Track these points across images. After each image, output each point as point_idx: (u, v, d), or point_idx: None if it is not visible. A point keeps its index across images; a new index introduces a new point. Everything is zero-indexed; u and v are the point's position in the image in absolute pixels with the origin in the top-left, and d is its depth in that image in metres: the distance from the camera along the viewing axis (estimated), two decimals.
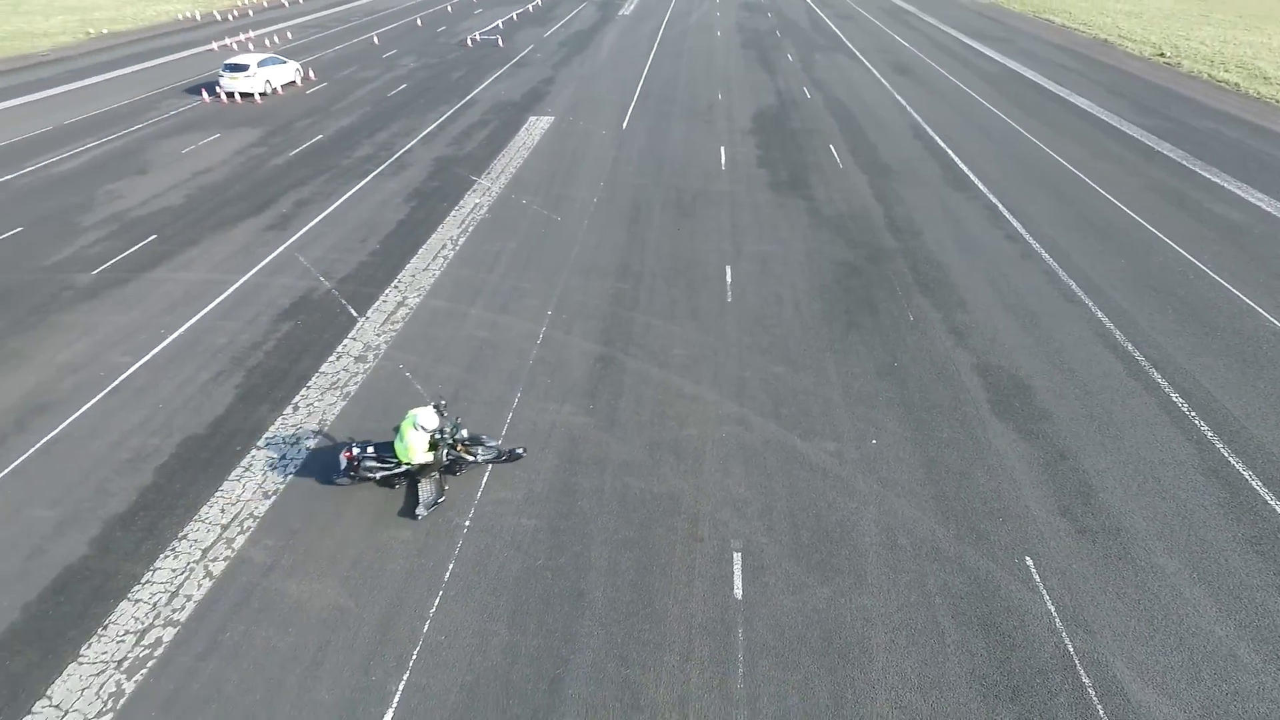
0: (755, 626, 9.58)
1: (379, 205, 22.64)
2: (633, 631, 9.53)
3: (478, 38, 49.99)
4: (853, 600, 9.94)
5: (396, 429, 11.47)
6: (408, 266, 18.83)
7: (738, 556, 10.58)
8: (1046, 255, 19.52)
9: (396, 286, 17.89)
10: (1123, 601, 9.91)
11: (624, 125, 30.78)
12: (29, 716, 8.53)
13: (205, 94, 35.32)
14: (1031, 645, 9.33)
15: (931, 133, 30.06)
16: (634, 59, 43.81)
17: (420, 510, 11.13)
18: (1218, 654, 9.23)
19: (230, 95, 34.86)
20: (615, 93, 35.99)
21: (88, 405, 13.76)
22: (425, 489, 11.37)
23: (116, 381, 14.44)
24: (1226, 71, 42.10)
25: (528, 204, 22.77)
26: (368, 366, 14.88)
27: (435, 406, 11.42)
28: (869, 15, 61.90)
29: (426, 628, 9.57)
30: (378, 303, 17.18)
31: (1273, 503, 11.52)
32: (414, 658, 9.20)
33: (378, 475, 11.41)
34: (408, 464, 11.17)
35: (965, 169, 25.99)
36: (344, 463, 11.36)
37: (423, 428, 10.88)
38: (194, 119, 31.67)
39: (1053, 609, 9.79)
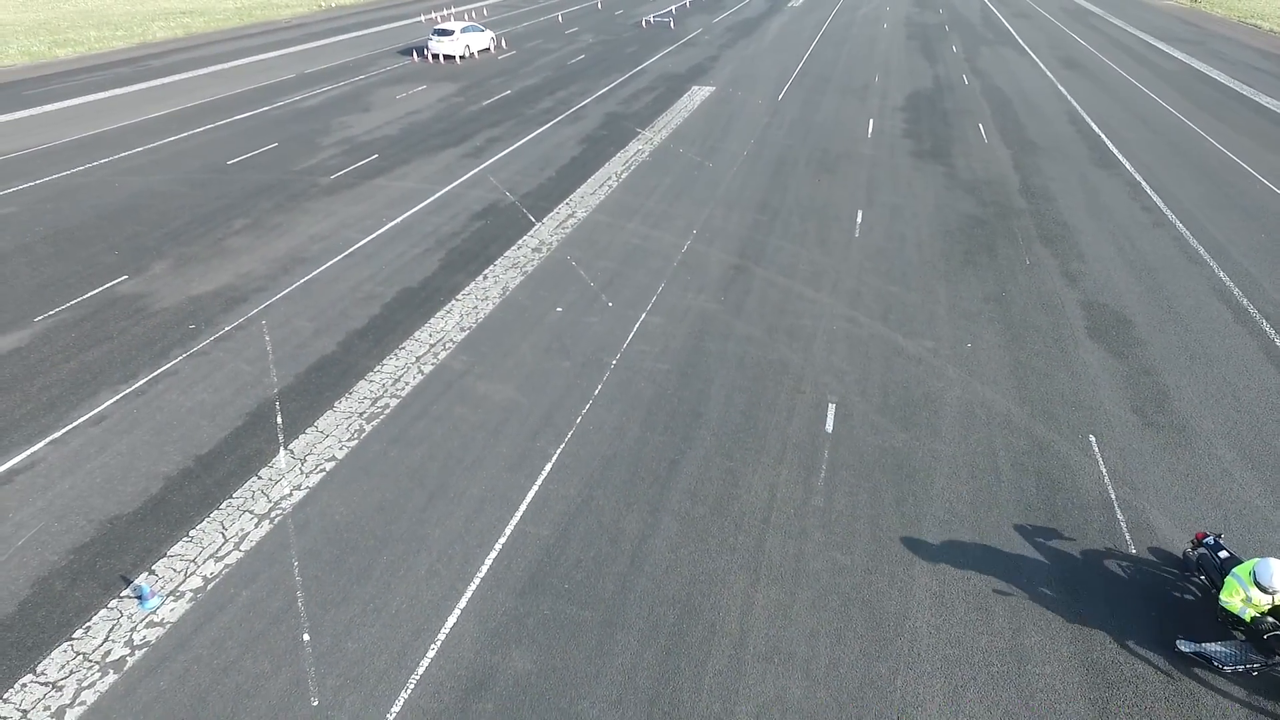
0: (839, 450, 11.73)
1: (556, 145, 26.09)
2: (738, 441, 11.94)
3: (652, 20, 53.44)
4: (925, 445, 11.85)
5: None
6: (578, 190, 22.02)
7: (831, 406, 12.72)
8: (1180, 225, 19.96)
9: (568, 203, 21.08)
10: (1172, 474, 11.23)
11: (779, 97, 32.87)
12: (299, 438, 12.11)
13: (415, 55, 40.65)
14: (1078, 491, 10.92)
15: (1088, 119, 30.11)
16: (797, 44, 45.59)
17: (1197, 650, 8.29)
18: (1250, 512, 10.43)
19: (435, 57, 39.93)
20: (775, 71, 38.07)
21: (331, 262, 17.74)
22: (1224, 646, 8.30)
23: (351, 249, 18.39)
24: None
25: (684, 153, 25.47)
26: (542, 255, 18.06)
27: None
28: (1048, 14, 60.16)
29: (579, 420, 12.41)
30: (552, 213, 20.42)
31: None
32: (568, 436, 12.05)
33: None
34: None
35: (1115, 150, 26.18)
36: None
37: (1261, 586, 7.85)
38: (406, 73, 36.81)
39: (1104, 470, 11.29)
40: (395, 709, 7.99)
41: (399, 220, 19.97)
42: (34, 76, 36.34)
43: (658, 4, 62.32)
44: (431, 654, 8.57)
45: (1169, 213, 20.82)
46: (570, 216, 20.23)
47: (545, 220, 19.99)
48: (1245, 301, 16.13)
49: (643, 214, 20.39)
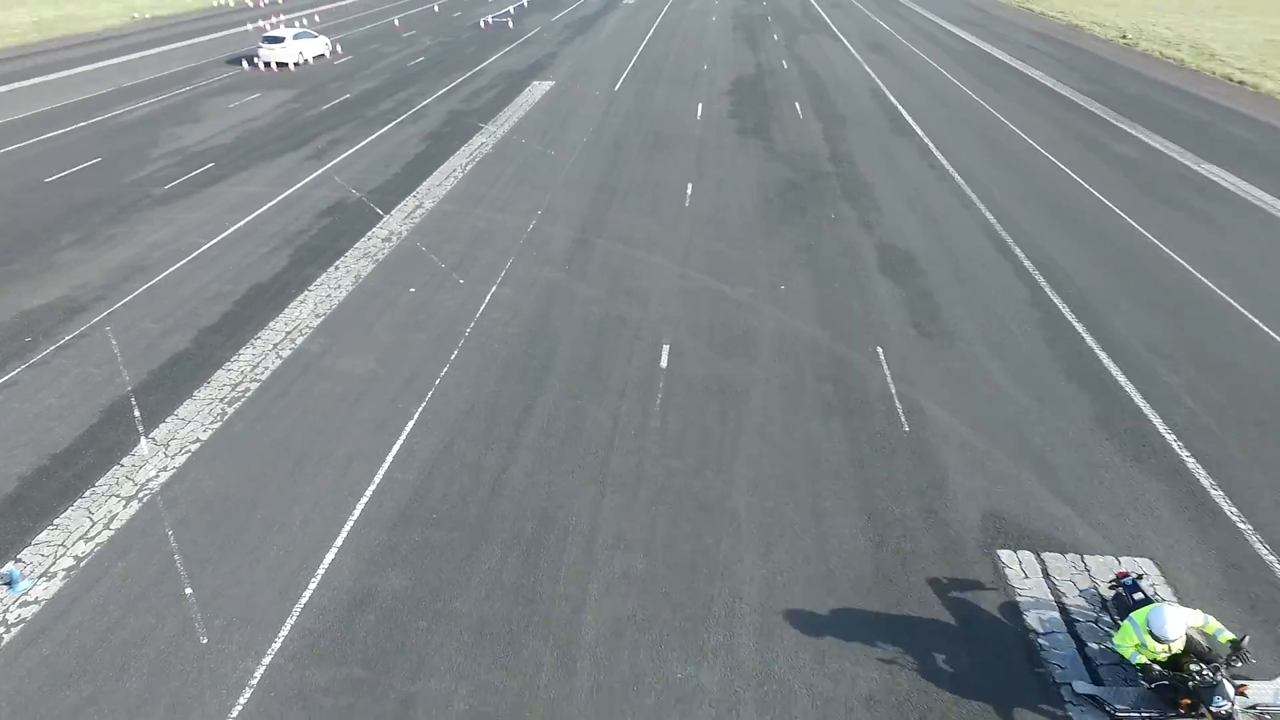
0: (672, 381, 13.37)
1: (400, 143, 26.60)
2: (585, 384, 13.34)
3: (490, 21, 54.10)
4: (744, 369, 13.71)
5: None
6: (424, 183, 22.76)
7: (665, 346, 14.37)
8: (959, 179, 23.21)
9: (415, 195, 21.81)
10: (939, 370, 13.63)
11: (616, 88, 34.66)
12: (160, 426, 12.45)
13: (245, 64, 39.52)
14: (865, 390, 13.07)
15: (889, 94, 33.75)
16: (632, 39, 47.70)
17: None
18: (998, 398, 12.92)
19: (267, 65, 38.99)
20: (611, 65, 39.89)
21: (175, 267, 17.71)
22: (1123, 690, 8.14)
23: (195, 254, 18.39)
24: (1179, 51, 45.46)
25: (526, 143, 26.66)
26: (392, 244, 18.77)
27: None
28: (859, 4, 65.55)
29: (437, 383, 13.40)
30: (399, 205, 21.10)
31: (1073, 321, 15.15)
32: (428, 396, 13.03)
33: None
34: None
35: (911, 121, 29.68)
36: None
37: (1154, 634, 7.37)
38: (237, 83, 35.85)
39: (888, 372, 13.53)
40: (283, 634, 8.81)
41: (243, 223, 20.03)
42: None
43: (496, 5, 62.95)
44: (313, 586, 9.43)
45: (951, 169, 24.10)
46: (418, 207, 20.98)
47: (394, 212, 20.65)
48: (1005, 234, 19.21)
49: (489, 200, 21.44)
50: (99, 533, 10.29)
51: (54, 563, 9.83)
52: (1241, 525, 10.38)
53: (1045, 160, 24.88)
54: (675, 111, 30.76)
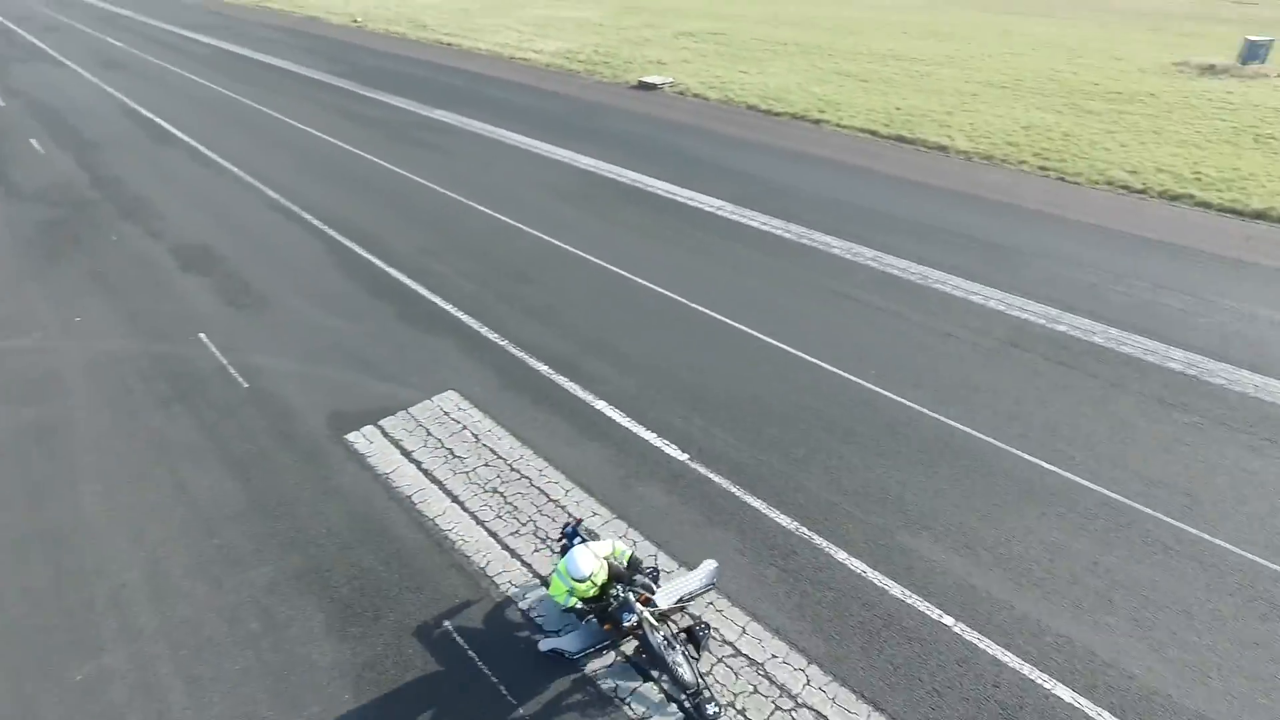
0: None
1: None
2: None
3: None
4: (53, 410, 12.88)
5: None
6: None
7: None
8: (237, 170, 24.22)
9: None
10: (264, 330, 15.04)
11: None
12: None
13: None
14: (198, 371, 13.73)
15: (142, 110, 32.16)
16: None
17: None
18: (320, 330, 14.97)
19: None
20: None
21: None
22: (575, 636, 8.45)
23: None
24: (400, 27, 53.26)
25: None
26: None
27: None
28: (79, 24, 58.57)
29: None
30: None
31: (363, 252, 18.09)
32: None
33: None
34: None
35: (173, 129, 29.10)
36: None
37: (574, 578, 7.77)
38: None
39: (215, 350, 14.36)
40: None
41: None
42: None
43: None
44: None
45: (226, 163, 24.87)
46: None
47: None
48: (290, 204, 21.17)
49: None
50: None
51: None
52: (502, 343, 14.53)
53: (310, 135, 27.54)
54: None
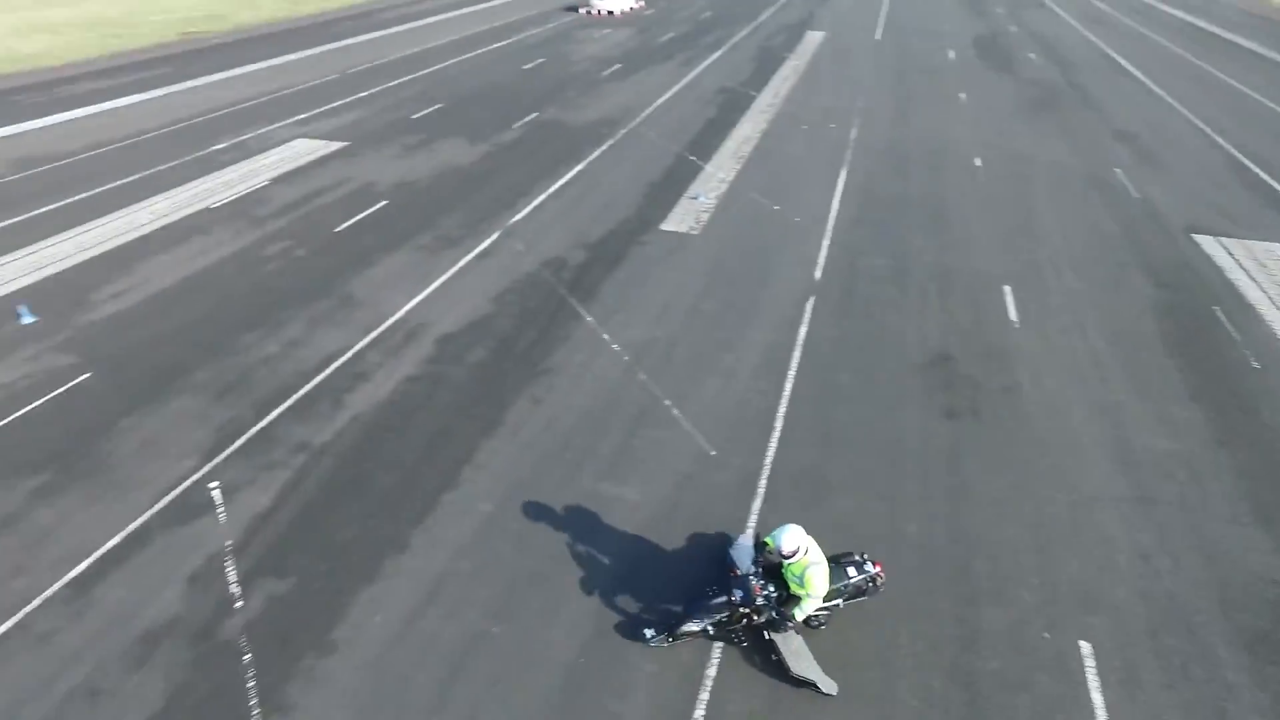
0: (987, 168, 23.30)
1: (735, 64, 37.63)
2: (927, 165, 23.54)
3: None
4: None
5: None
6: (770, 83, 33.58)
7: (978, 160, 24.27)
8: (1173, 101, 31.40)
9: (769, 89, 32.65)
10: (1161, 176, 22.76)
11: (877, 38, 44.32)
12: (709, 160, 23.81)
13: (580, 10, 52.26)
14: (1104, 179, 22.44)
15: (1105, 48, 41.51)
16: (872, 4, 56.94)
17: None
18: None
19: (598, 12, 51.46)
20: (863, 22, 49.47)
21: (647, 112, 29.32)
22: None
23: (652, 107, 29.94)
24: None
25: (827, 69, 36.98)
26: (770, 113, 29.56)
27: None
28: None
29: (846, 164, 23.97)
30: (761, 93, 31.97)
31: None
32: (846, 162, 23.65)
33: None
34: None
35: (1125, 63, 37.63)
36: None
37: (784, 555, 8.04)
38: (586, 23, 48.50)
39: (1129, 184, 22.83)
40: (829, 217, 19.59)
41: (668, 96, 31.56)
42: (344, 18, 48.05)
43: None
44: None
45: (1163, 93, 32.23)
46: (776, 95, 31.79)
47: (762, 94, 31.57)
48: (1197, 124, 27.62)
49: (821, 94, 31.93)
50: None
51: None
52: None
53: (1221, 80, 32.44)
54: (933, 55, 40.08)
